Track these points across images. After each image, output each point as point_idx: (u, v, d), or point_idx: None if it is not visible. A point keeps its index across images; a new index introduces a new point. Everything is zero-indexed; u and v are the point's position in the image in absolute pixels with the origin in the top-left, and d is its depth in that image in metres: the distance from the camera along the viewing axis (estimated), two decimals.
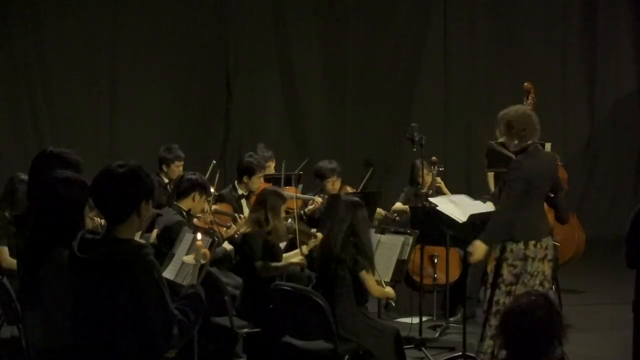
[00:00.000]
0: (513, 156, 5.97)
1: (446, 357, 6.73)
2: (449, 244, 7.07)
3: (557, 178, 6.15)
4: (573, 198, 10.67)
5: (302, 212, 7.91)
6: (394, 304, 7.48)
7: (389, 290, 6.04)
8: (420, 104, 11.87)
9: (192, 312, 3.57)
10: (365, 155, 11.16)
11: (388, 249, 6.36)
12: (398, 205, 8.39)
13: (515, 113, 5.96)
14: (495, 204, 6.68)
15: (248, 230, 6.38)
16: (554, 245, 6.20)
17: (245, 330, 6.03)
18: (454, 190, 8.37)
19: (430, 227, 6.85)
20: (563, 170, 7.42)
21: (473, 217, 6.39)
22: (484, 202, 6.87)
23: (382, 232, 6.53)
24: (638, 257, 5.32)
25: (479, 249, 5.90)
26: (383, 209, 8.20)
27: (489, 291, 5.96)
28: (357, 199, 6.11)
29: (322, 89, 11.87)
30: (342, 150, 11.01)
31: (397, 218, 8.18)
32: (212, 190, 7.29)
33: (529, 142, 5.87)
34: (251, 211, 6.65)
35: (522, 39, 12.29)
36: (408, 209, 8.03)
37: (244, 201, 7.73)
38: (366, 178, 8.67)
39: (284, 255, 6.54)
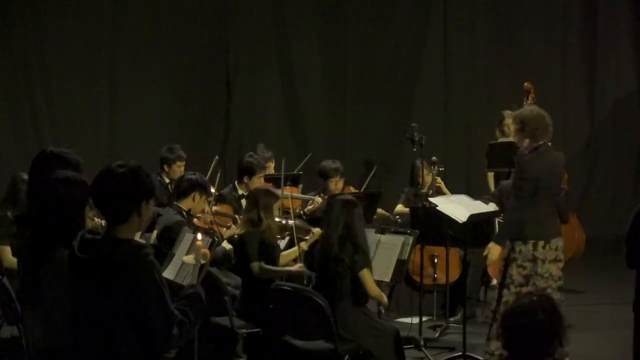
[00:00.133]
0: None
1: (446, 357, 6.73)
2: (449, 244, 7.07)
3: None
4: (573, 198, 10.67)
5: (301, 212, 7.91)
6: (383, 311, 7.48)
7: (384, 298, 6.10)
8: (420, 104, 11.87)
9: (192, 312, 3.57)
10: (365, 155, 11.16)
11: (388, 249, 6.36)
12: (400, 207, 8.38)
13: (530, 113, 6.07)
14: (497, 205, 6.73)
15: (242, 231, 6.38)
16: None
17: (245, 330, 6.03)
18: (454, 190, 8.38)
19: (430, 227, 6.86)
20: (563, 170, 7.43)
21: (473, 217, 6.40)
22: (487, 203, 6.91)
23: (382, 232, 6.52)
24: (638, 257, 5.32)
25: (493, 249, 6.09)
26: (383, 209, 8.20)
27: (496, 291, 6.00)
28: (352, 197, 6.11)
29: (322, 89, 11.87)
30: (342, 150, 11.00)
31: (399, 220, 8.18)
32: (212, 190, 7.30)
33: (540, 142, 5.94)
34: (244, 211, 6.65)
35: (522, 39, 12.29)
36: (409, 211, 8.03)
37: (244, 201, 7.72)
38: (369, 178, 8.69)
39: (282, 253, 6.55)
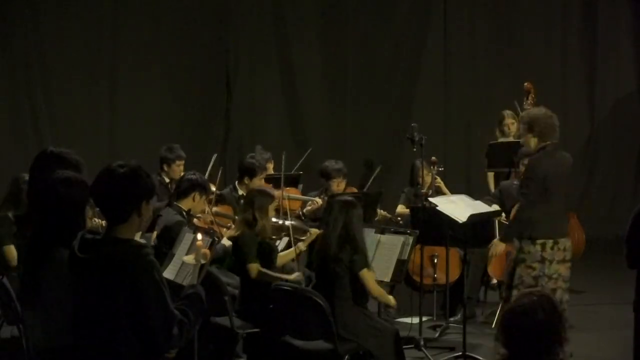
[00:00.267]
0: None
1: (446, 357, 6.73)
2: (449, 244, 7.07)
3: None
4: (573, 198, 10.66)
5: (300, 212, 7.91)
6: (392, 310, 7.48)
7: (389, 297, 6.08)
8: (420, 104, 11.86)
9: (192, 312, 3.57)
10: (365, 155, 11.16)
11: (388, 249, 6.36)
12: (401, 209, 8.38)
13: (539, 112, 6.16)
14: (499, 205, 6.76)
15: (238, 232, 6.37)
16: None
17: (245, 330, 6.03)
18: (454, 190, 8.38)
19: (430, 227, 6.86)
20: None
21: (473, 217, 6.41)
22: (489, 204, 6.94)
23: (382, 232, 6.52)
24: (639, 257, 5.32)
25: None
26: (384, 209, 8.20)
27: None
28: (351, 198, 6.11)
29: (322, 89, 11.86)
30: (342, 150, 10.99)
31: (401, 222, 8.18)
32: (213, 188, 7.30)
33: (548, 142, 6.00)
34: (240, 212, 6.64)
35: (522, 39, 12.29)
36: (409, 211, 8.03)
37: None
38: (372, 179, 8.69)
39: (280, 254, 6.55)
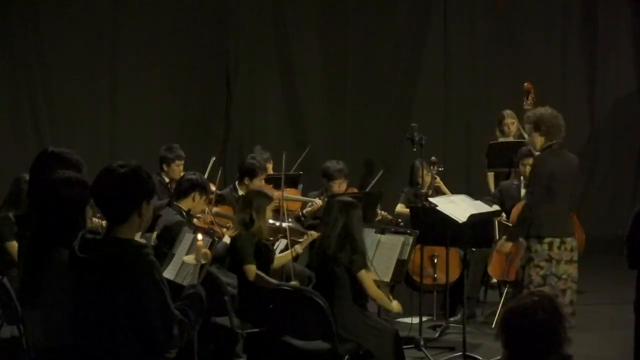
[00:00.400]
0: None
1: (446, 357, 6.73)
2: (449, 244, 7.07)
3: None
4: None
5: (300, 213, 7.91)
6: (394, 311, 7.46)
7: (395, 305, 6.07)
8: (420, 104, 11.86)
9: (192, 312, 3.57)
10: (365, 155, 11.16)
11: (388, 249, 6.36)
12: (400, 207, 8.37)
13: (545, 112, 6.20)
14: (499, 205, 6.78)
15: (235, 233, 6.36)
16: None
17: (245, 330, 6.03)
18: (454, 190, 8.38)
19: (430, 227, 6.86)
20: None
21: (473, 217, 6.41)
22: (489, 204, 6.95)
23: (382, 232, 6.52)
24: (639, 257, 5.33)
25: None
26: (384, 209, 8.20)
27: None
28: (351, 199, 6.11)
29: (322, 89, 11.86)
30: (342, 150, 10.98)
31: (402, 223, 8.17)
32: (213, 188, 7.30)
33: (554, 141, 6.07)
34: (238, 212, 6.64)
35: (522, 39, 12.27)
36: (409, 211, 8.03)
37: None
38: (374, 182, 8.69)
39: (277, 256, 6.55)
